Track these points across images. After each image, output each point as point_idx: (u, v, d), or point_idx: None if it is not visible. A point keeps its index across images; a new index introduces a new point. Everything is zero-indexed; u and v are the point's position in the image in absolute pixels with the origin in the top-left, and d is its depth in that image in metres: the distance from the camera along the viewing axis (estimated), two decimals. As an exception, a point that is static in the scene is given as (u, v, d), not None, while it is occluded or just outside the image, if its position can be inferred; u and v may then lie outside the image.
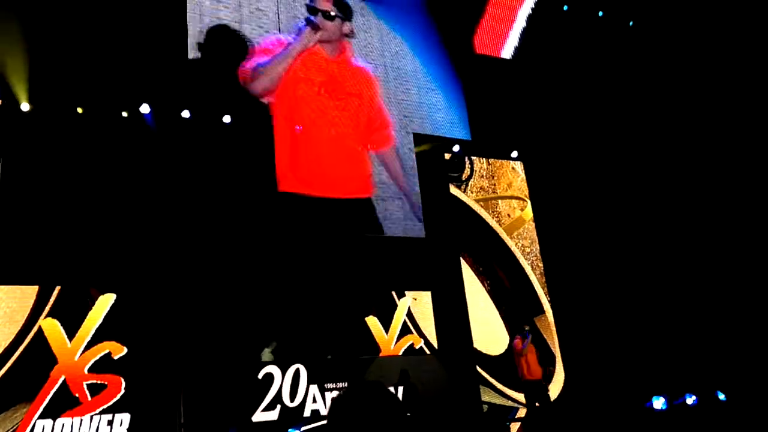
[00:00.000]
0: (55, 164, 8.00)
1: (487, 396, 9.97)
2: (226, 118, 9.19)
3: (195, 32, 9.01)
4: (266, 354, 8.19)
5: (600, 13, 13.24)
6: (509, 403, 10.15)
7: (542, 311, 11.24)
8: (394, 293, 9.90)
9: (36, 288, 7.44)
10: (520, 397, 10.17)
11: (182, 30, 9.13)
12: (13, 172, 7.76)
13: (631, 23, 13.45)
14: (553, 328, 11.13)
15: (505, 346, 10.61)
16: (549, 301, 11.32)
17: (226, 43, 9.26)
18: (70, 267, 7.70)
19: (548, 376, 10.48)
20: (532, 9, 12.21)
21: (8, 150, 7.79)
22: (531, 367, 9.01)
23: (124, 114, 8.65)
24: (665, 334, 10.77)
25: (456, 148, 11.16)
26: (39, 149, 8.00)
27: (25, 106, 8.00)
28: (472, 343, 10.27)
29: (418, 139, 10.87)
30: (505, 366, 10.30)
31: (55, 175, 7.96)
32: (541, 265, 11.55)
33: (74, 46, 8.37)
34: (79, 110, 8.33)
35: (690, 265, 11.13)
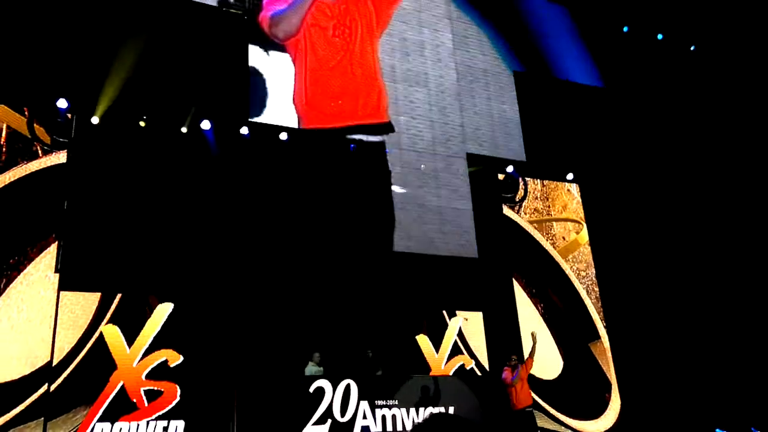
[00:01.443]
0: (118, 175, 8.28)
1: (540, 421, 9.71)
2: (283, 135, 9.39)
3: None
4: (311, 368, 8.19)
5: (659, 36, 13.04)
6: (562, 429, 9.88)
7: (598, 337, 10.95)
8: (445, 312, 9.82)
9: (98, 295, 7.66)
10: (575, 423, 9.91)
11: (243, 50, 9.46)
12: (80, 182, 8.06)
13: (692, 47, 13.15)
14: (609, 355, 10.81)
15: (559, 371, 10.36)
16: (605, 327, 11.03)
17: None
18: (132, 276, 7.91)
19: (603, 404, 10.17)
20: (594, 31, 12.07)
21: (76, 161, 8.10)
22: (519, 395, 8.56)
23: (184, 130, 8.90)
24: (729, 364, 10.32)
25: (510, 168, 11.08)
26: (104, 161, 8.31)
27: (95, 120, 8.33)
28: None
29: (472, 159, 10.85)
30: (558, 391, 10.05)
31: (118, 186, 8.24)
32: (596, 289, 11.28)
33: (140, 63, 8.71)
34: (142, 124, 8.62)
35: (755, 291, 10.69)
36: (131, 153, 8.41)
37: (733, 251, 11.23)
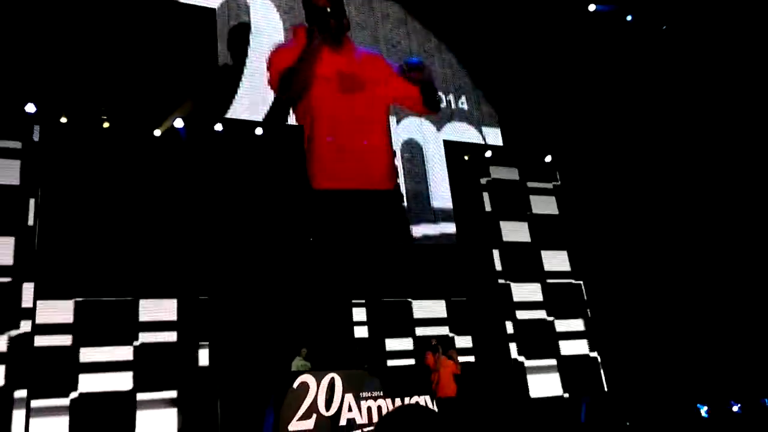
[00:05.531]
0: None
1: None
2: (258, 131, 9.29)
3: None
4: (297, 363, 8.16)
5: (629, 17, 12.58)
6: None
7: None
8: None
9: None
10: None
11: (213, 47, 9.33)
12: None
13: (664, 27, 12.67)
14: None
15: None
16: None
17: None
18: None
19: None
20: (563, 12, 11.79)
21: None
22: (441, 382, 7.98)
23: (157, 132, 8.78)
24: (705, 346, 10.15)
25: (488, 153, 11.05)
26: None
27: (63, 119, 8.22)
28: (509, 354, 10.21)
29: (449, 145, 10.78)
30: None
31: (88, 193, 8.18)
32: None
33: (108, 60, 8.54)
34: (105, 125, 8.49)
35: (732, 294, 10.37)
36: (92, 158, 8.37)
37: (710, 257, 10.84)
